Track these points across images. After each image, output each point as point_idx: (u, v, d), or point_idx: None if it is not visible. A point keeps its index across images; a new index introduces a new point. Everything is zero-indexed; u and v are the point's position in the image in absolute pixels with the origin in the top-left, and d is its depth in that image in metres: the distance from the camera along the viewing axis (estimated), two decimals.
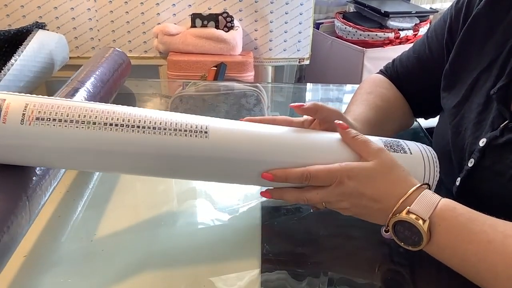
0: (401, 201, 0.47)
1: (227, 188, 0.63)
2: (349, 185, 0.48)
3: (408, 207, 0.46)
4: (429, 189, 0.49)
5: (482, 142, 0.54)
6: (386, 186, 0.48)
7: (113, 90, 0.79)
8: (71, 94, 0.64)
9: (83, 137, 0.45)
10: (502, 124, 0.53)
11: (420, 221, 0.45)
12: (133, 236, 0.55)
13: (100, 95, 0.71)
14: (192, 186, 0.65)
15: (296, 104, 0.55)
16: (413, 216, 0.45)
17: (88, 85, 0.68)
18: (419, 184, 0.48)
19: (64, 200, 0.60)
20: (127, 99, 0.97)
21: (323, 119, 0.56)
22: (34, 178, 0.47)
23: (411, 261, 0.52)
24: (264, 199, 0.61)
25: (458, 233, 0.44)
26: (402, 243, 0.48)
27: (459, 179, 0.57)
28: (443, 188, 0.63)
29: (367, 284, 0.50)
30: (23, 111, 0.44)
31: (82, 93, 0.65)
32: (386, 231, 0.48)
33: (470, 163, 0.55)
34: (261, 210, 0.60)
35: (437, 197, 0.47)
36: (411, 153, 0.53)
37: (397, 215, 0.46)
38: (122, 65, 0.86)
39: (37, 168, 0.48)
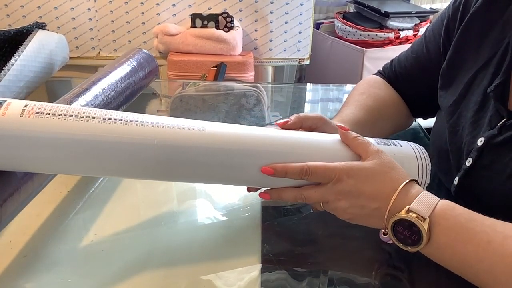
0: (394, 195, 0.47)
1: (227, 188, 0.63)
2: (348, 183, 0.48)
3: (408, 206, 0.46)
4: (418, 185, 0.49)
5: (480, 141, 0.54)
6: (384, 184, 0.48)
7: (130, 91, 0.78)
8: (81, 94, 0.63)
9: (82, 128, 0.45)
10: (500, 123, 0.53)
11: (420, 220, 0.45)
12: (133, 236, 0.55)
13: (112, 96, 0.70)
14: (192, 186, 0.65)
15: (282, 121, 0.56)
16: (414, 215, 0.45)
17: (100, 85, 0.68)
18: (409, 179, 0.48)
19: (64, 200, 0.60)
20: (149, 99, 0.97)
21: (309, 127, 0.57)
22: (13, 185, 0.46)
23: (411, 261, 0.52)
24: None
25: (458, 233, 0.44)
26: (401, 244, 0.47)
27: (457, 178, 0.57)
28: (442, 188, 0.63)
29: (367, 284, 0.50)
30: (23, 107, 0.44)
31: (92, 93, 0.65)
32: (385, 234, 0.48)
33: (468, 162, 0.55)
34: (261, 210, 0.60)
35: (436, 197, 0.47)
36: (401, 146, 0.55)
37: (397, 214, 0.46)
38: (145, 67, 0.85)
39: (19, 176, 0.47)
